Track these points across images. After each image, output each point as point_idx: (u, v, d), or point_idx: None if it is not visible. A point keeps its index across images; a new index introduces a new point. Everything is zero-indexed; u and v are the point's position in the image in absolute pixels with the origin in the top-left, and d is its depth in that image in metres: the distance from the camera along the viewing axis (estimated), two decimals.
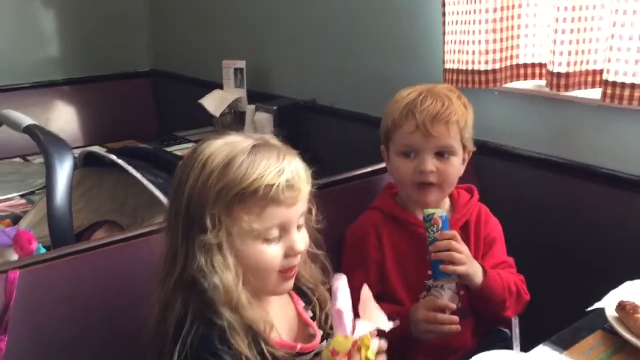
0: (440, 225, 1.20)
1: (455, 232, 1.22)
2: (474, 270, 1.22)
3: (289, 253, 0.93)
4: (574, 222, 1.57)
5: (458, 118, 1.26)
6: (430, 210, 1.22)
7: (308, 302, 1.06)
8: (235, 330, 0.88)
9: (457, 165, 1.29)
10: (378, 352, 0.92)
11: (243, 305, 0.90)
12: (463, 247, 1.21)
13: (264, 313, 0.94)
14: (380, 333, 0.93)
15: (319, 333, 1.03)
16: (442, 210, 1.24)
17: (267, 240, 0.92)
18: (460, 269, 1.19)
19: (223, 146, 0.91)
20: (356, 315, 0.92)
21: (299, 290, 1.05)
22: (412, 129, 1.25)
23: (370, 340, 0.90)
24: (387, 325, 0.91)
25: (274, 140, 0.96)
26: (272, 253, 0.92)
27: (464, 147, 1.30)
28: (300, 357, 0.98)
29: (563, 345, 1.08)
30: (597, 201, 1.53)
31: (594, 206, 1.54)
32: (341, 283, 0.92)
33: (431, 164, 1.25)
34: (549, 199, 1.63)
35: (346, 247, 1.36)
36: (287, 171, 0.90)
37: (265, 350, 0.89)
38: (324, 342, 1.02)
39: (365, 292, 0.91)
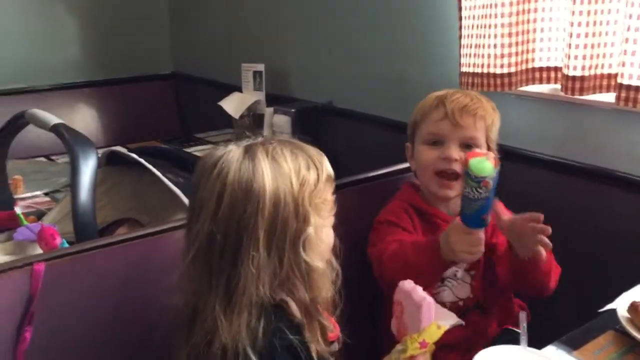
0: (491, 186, 1.05)
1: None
2: None
3: (333, 228, 1.04)
4: (587, 225, 1.58)
5: (485, 114, 1.29)
6: (482, 173, 1.03)
7: None
8: (311, 325, 0.95)
9: None
10: None
11: (327, 293, 0.98)
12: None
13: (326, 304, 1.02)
14: None
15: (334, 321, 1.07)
16: (493, 168, 1.05)
17: (327, 221, 1.01)
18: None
19: (270, 161, 0.94)
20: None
21: None
22: (440, 117, 1.28)
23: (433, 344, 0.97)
24: (459, 321, 0.98)
25: (282, 138, 1.03)
26: (332, 232, 1.02)
27: (489, 147, 1.30)
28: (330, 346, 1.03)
29: (573, 345, 1.08)
30: (611, 204, 1.54)
31: (608, 209, 1.54)
32: (412, 284, 0.99)
33: (456, 152, 1.26)
34: (563, 202, 1.63)
35: (379, 221, 1.34)
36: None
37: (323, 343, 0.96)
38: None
39: (428, 296, 0.98)
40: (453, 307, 1.30)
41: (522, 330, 0.85)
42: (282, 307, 0.94)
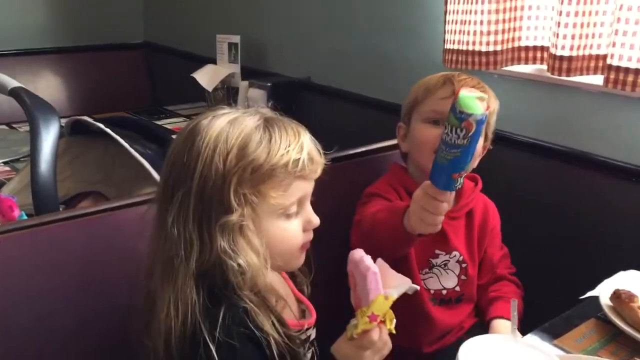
0: (472, 131, 0.88)
1: None
2: None
3: (307, 227, 0.93)
4: (569, 210, 1.56)
5: (489, 99, 1.23)
6: (468, 110, 0.87)
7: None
8: (259, 311, 0.86)
9: (479, 143, 1.24)
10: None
11: (267, 285, 0.88)
12: None
13: (279, 292, 0.93)
14: None
15: (313, 309, 1.01)
16: (482, 111, 0.88)
17: (288, 216, 0.90)
18: None
19: (230, 124, 0.86)
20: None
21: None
22: (447, 95, 1.22)
23: (392, 313, 0.86)
24: (414, 287, 0.87)
25: (276, 114, 0.92)
26: (294, 229, 0.91)
27: (486, 134, 1.27)
28: (297, 334, 0.94)
29: (555, 333, 1.06)
30: (592, 189, 1.52)
31: (589, 194, 1.52)
32: (361, 253, 0.89)
33: None
34: (544, 186, 1.62)
35: (366, 194, 1.29)
36: (306, 145, 0.89)
37: (282, 332, 0.87)
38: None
39: (381, 262, 0.88)
40: (436, 295, 1.28)
41: (513, 319, 0.80)
42: (229, 290, 0.86)
